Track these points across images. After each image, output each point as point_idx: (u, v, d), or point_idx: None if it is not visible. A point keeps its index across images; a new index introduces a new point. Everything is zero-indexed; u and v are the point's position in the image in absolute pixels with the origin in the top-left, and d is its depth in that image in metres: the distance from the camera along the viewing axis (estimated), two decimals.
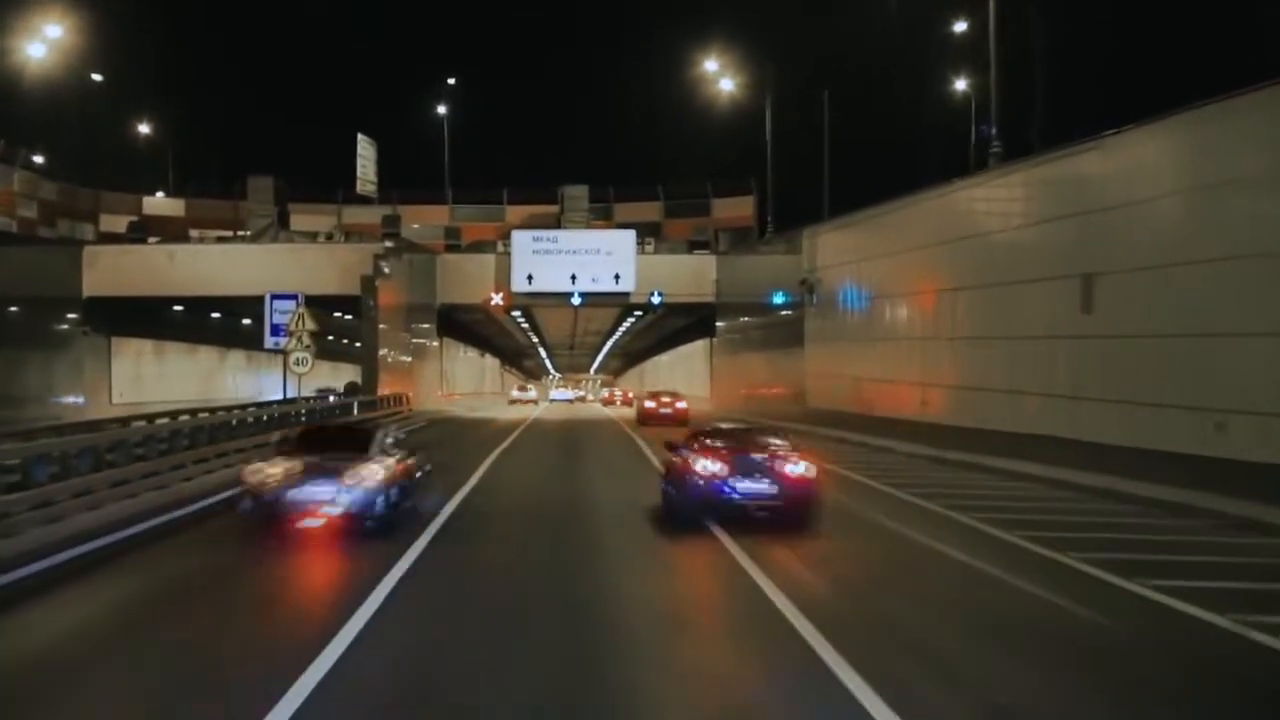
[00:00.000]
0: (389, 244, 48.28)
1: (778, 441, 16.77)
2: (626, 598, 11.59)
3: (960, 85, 58.43)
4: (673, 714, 8.04)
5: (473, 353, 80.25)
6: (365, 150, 73.94)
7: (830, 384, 38.90)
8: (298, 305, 28.59)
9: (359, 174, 72.68)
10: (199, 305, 50.73)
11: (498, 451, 28.70)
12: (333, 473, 14.27)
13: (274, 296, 29.14)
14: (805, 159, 52.18)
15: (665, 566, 13.78)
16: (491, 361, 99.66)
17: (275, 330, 28.67)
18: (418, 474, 16.82)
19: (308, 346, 27.83)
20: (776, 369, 45.95)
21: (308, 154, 78.11)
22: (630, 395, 73.80)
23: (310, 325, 28.02)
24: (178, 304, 51.32)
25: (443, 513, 16.96)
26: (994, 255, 26.77)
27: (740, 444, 16.53)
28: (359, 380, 41.76)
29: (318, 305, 55.95)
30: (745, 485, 15.43)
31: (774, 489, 15.42)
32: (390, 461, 15.38)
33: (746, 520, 15.46)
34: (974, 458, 25.25)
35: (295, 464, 14.56)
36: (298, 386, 28.47)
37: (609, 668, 8.88)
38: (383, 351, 42.86)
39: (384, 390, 41.31)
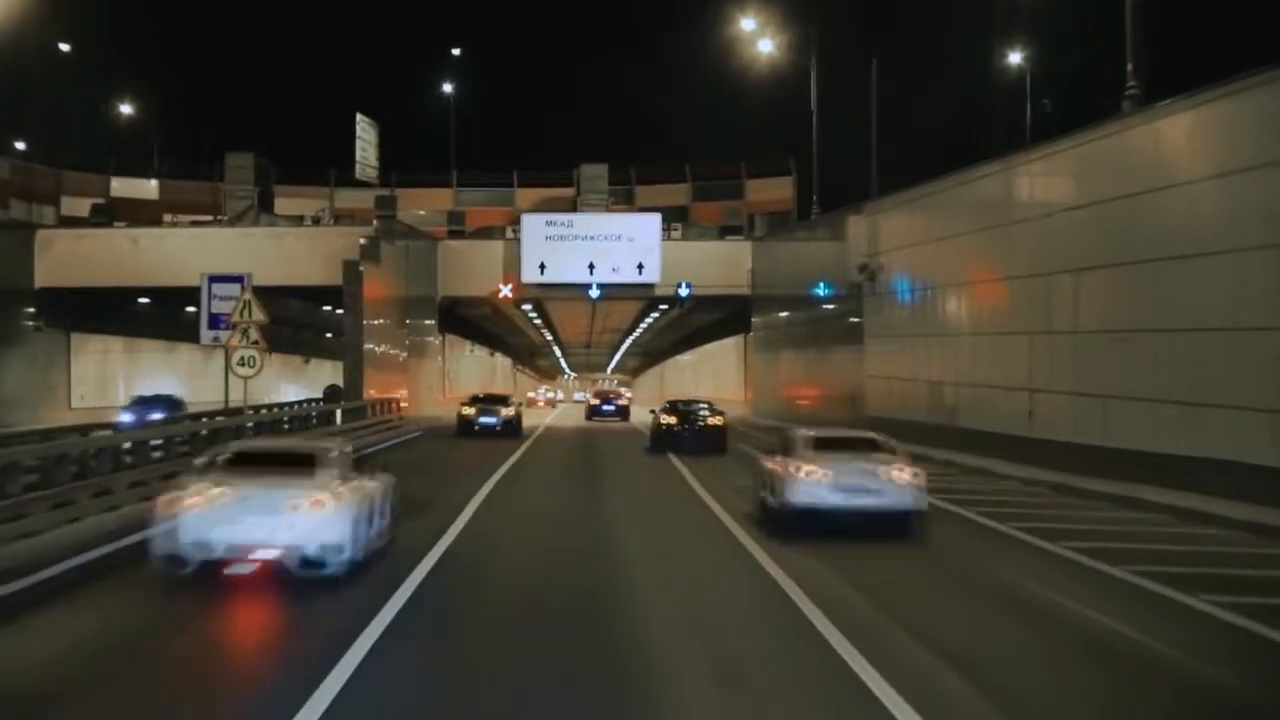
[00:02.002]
0: (380, 225, 42.23)
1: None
2: None
3: (1015, 59, 53.00)
4: None
5: (481, 351, 74.13)
6: (365, 133, 67.99)
7: (896, 388, 32.76)
8: (243, 289, 22.61)
9: (358, 158, 66.77)
10: (166, 297, 44.93)
11: (500, 474, 22.75)
12: (275, 504, 10.90)
13: (212, 279, 23.11)
14: (849, 135, 46.29)
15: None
16: (503, 361, 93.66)
17: (214, 321, 22.70)
18: (385, 511, 12.81)
19: (255, 342, 21.90)
20: (825, 370, 39.83)
21: (300, 134, 71.82)
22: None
23: (259, 315, 22.12)
24: (142, 295, 45.50)
25: (404, 587, 11.04)
26: (1141, 222, 20.59)
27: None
28: (341, 383, 35.69)
29: (302, 297, 50.30)
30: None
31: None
32: (357, 485, 11.82)
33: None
34: (1123, 487, 19.11)
35: (223, 492, 11.10)
36: (244, 391, 22.52)
37: None
38: (369, 346, 36.87)
39: (371, 393, 35.36)
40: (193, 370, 60.57)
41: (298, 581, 10.85)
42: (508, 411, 31.59)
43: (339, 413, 32.74)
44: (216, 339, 22.71)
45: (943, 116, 53.04)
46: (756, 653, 9.29)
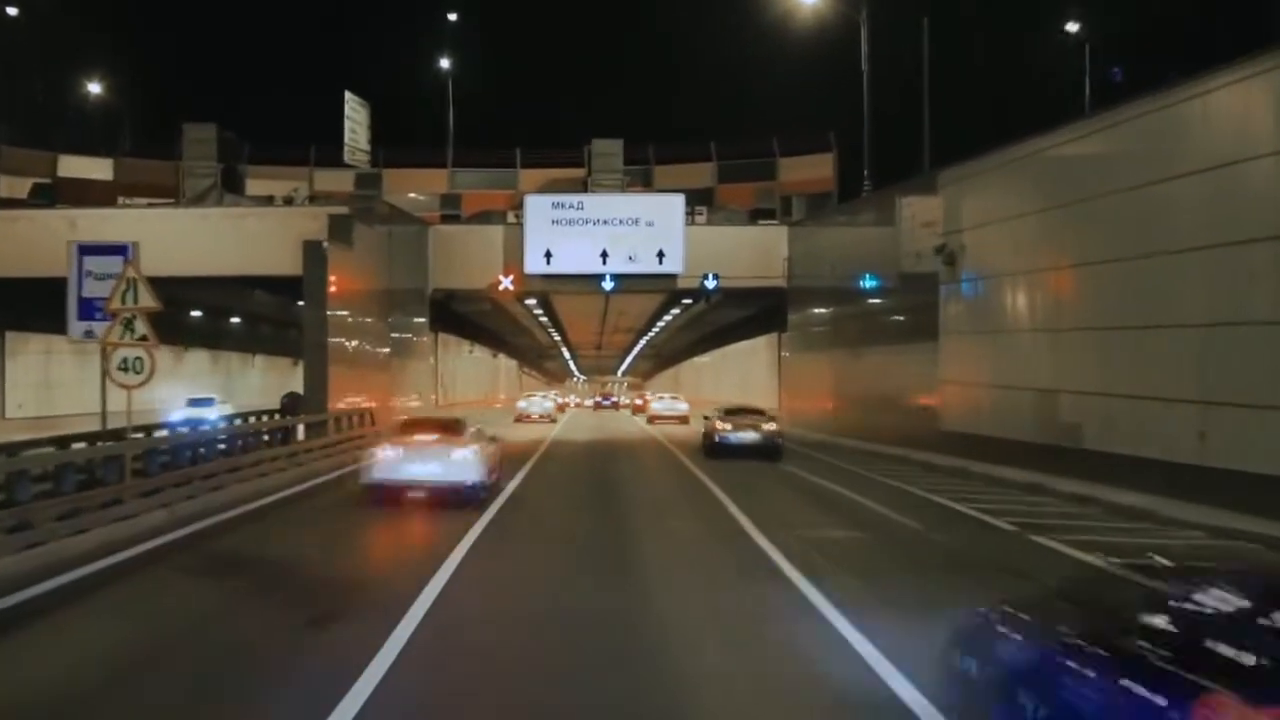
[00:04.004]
0: (355, 202, 35.81)
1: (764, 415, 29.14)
2: None
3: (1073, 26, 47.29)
4: None
5: (482, 351, 67.78)
6: (355, 113, 61.63)
7: (985, 397, 26.45)
8: (126, 265, 16.25)
9: (347, 140, 60.43)
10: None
11: (473, 536, 16.50)
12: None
13: (83, 249, 16.52)
14: (897, 105, 40.14)
15: None
16: (507, 363, 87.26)
17: (86, 309, 16.21)
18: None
19: (143, 338, 15.63)
20: (884, 374, 33.50)
21: (281, 111, 65.40)
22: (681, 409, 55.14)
23: (150, 302, 15.86)
24: None
25: None
26: None
27: (745, 415, 30.03)
28: (308, 388, 29.13)
29: (270, 289, 44.06)
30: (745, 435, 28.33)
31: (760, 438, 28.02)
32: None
33: None
34: None
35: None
36: (128, 404, 16.18)
37: None
38: (338, 340, 30.52)
39: (338, 402, 29.00)
40: (163, 371, 54.48)
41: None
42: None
43: (300, 427, 26.49)
44: (89, 333, 16.38)
45: (1004, 84, 47.04)
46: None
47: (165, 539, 14.35)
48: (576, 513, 18.53)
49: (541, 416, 51.28)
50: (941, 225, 28.73)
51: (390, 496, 17.35)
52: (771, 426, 29.29)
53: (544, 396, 59.06)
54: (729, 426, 29.09)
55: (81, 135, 50.47)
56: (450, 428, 18.61)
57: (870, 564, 13.53)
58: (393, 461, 17.39)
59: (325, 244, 29.05)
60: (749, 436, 28.61)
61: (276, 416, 29.98)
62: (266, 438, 21.86)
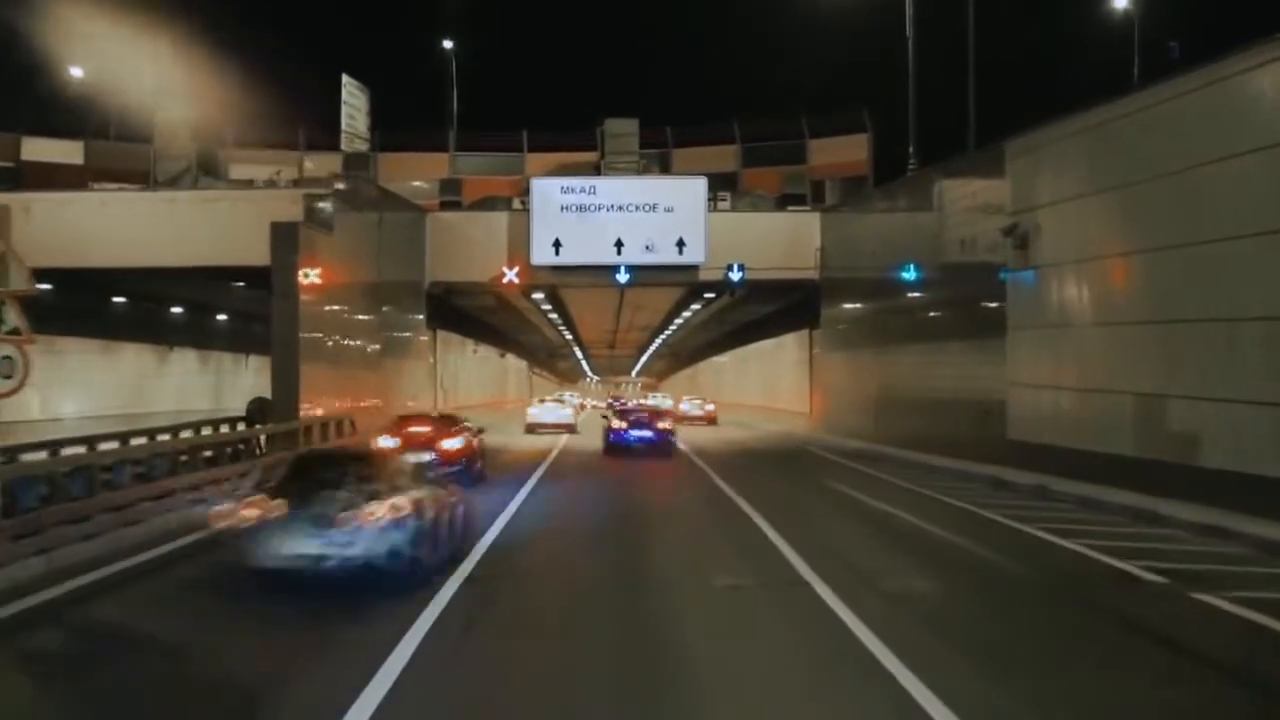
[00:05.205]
0: (339, 182, 31.90)
1: (662, 414, 33.64)
2: None
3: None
4: None
5: (488, 351, 63.92)
6: (354, 97, 57.95)
7: (1067, 402, 22.55)
8: None
9: (345, 127, 56.78)
10: (73, 281, 35.11)
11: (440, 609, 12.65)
12: None
13: None
14: (940, 81, 36.28)
15: None
16: (517, 363, 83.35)
17: None
18: None
19: (14, 332, 11.91)
20: (937, 375, 29.61)
21: (272, 92, 61.33)
22: (707, 409, 53.41)
23: (22, 283, 12.14)
24: (42, 280, 35.43)
25: None
26: None
27: (641, 413, 33.65)
28: (276, 392, 25.11)
29: (249, 281, 40.30)
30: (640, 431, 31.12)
31: (655, 435, 31.09)
32: None
33: None
34: None
35: None
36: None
37: None
38: (314, 336, 26.68)
39: (316, 407, 25.11)
40: (144, 373, 51.03)
41: None
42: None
43: (263, 438, 22.70)
44: None
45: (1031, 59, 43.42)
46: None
47: (25, 603, 10.58)
48: (588, 556, 14.66)
49: (558, 426, 41.97)
50: (1010, 203, 24.81)
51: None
52: (666, 425, 32.32)
53: (558, 401, 50.60)
54: (624, 425, 31.79)
55: (50, 116, 46.75)
56: (362, 463, 12.17)
57: (994, 644, 9.67)
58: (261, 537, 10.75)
59: (301, 228, 25.20)
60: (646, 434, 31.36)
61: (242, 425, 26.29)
62: (210, 454, 17.98)
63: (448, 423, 23.28)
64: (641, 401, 58.98)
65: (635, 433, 31.36)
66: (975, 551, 14.64)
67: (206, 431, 23.39)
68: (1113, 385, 20.77)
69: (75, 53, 49.30)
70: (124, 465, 15.07)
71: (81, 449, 19.53)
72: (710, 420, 51.49)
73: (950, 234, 29.23)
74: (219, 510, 11.71)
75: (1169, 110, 19.35)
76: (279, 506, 10.82)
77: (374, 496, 10.98)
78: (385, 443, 20.17)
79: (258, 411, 27.01)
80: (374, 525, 10.64)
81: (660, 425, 32.04)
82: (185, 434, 22.22)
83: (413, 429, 22.17)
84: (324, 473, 11.58)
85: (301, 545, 10.46)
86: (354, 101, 58.21)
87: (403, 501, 11.07)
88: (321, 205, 27.23)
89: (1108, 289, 21.32)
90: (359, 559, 10.51)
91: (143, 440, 19.85)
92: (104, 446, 18.88)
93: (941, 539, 15.75)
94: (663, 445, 31.20)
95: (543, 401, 49.28)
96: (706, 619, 10.59)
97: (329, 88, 54.10)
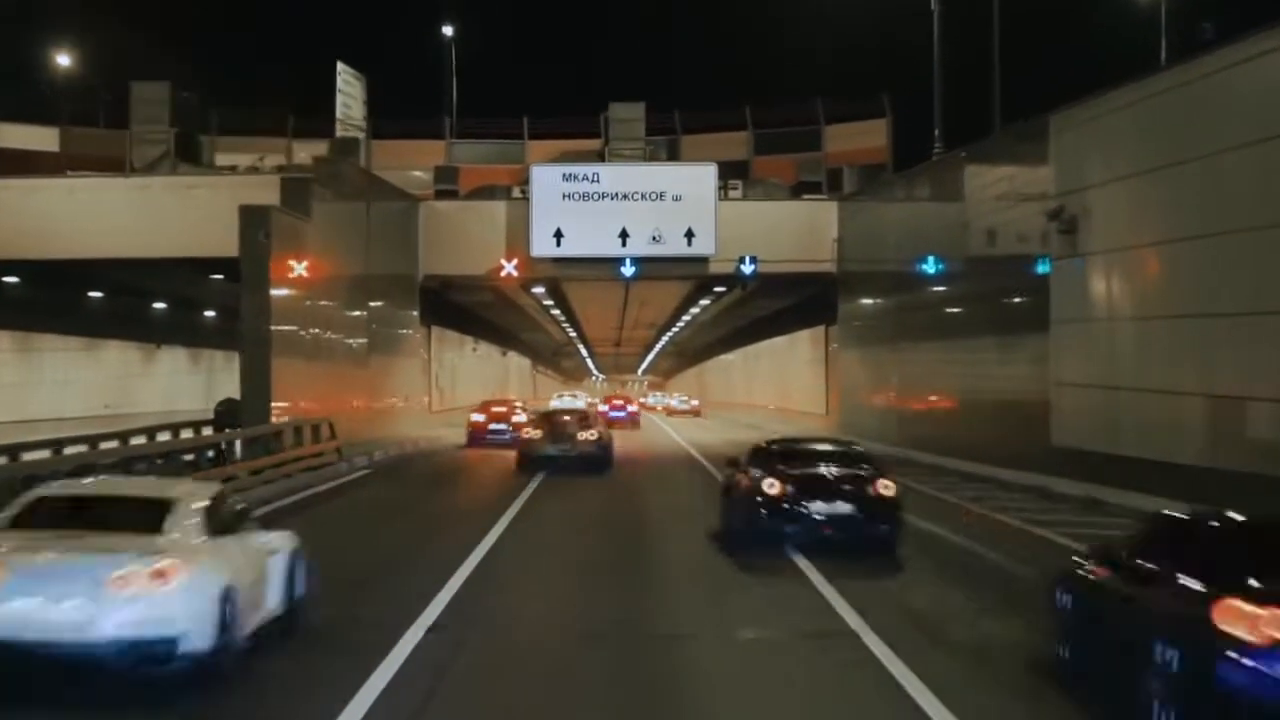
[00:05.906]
0: (321, 166, 29.53)
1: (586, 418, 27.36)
2: None
3: None
4: None
5: (489, 348, 61.59)
6: (349, 85, 55.74)
7: (1123, 404, 20.23)
8: None
9: (339, 115, 54.58)
10: (44, 273, 33.01)
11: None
12: None
13: None
14: (965, 62, 34.06)
15: None
16: (519, 361, 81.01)
17: None
18: None
19: None
20: (969, 373, 27.35)
21: (257, 76, 59.10)
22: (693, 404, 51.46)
23: None
24: (8, 271, 33.29)
25: None
26: None
27: (567, 416, 27.21)
28: (246, 393, 22.72)
29: (224, 271, 38.10)
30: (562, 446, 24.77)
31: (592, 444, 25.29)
32: None
33: None
34: None
35: None
36: None
37: None
38: (291, 329, 24.32)
39: (287, 407, 22.78)
40: (129, 372, 48.89)
41: None
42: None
43: (237, 444, 20.50)
44: None
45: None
46: None
47: None
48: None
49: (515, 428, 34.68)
50: (1055, 185, 22.51)
51: None
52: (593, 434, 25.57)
53: (572, 397, 45.82)
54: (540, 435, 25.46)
55: (23, 100, 44.51)
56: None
57: None
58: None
59: (272, 213, 22.89)
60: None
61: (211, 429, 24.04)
62: (144, 465, 15.62)
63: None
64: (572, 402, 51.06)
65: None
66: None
67: (163, 437, 21.07)
68: (1179, 386, 18.47)
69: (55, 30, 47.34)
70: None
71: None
72: (695, 413, 65.43)
73: (980, 222, 27.02)
74: None
75: (1248, 72, 17.04)
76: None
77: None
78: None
79: (227, 413, 24.79)
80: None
81: (583, 436, 25.42)
82: (136, 440, 19.91)
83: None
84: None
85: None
86: (349, 89, 56.01)
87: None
88: (298, 189, 24.92)
89: (1173, 277, 19.02)
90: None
91: (83, 449, 17.49)
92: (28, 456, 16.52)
93: (1023, 579, 13.09)
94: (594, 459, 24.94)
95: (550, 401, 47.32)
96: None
97: (324, 74, 51.97)
